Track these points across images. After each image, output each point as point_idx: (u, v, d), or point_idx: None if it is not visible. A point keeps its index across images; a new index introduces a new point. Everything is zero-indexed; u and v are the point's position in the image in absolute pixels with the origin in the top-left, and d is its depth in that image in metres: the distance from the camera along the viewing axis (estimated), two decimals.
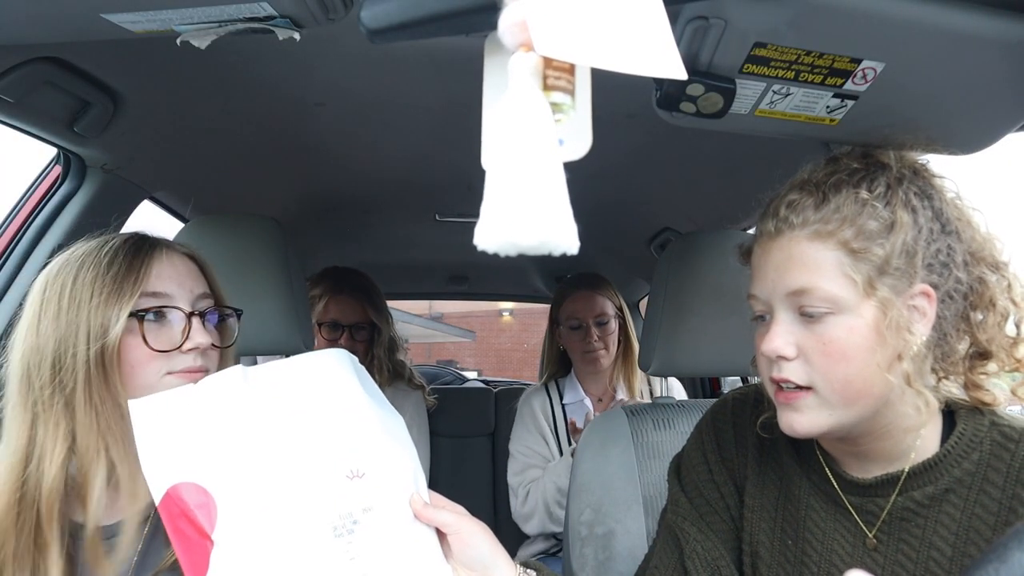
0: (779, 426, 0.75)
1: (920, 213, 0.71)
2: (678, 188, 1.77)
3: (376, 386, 0.83)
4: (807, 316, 0.71)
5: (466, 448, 2.33)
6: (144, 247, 0.84)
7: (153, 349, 0.80)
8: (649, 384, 2.03)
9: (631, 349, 2.00)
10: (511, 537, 2.10)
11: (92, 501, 0.77)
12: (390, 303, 2.18)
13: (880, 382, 0.70)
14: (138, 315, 0.80)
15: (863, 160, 0.76)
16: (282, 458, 0.66)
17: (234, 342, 0.90)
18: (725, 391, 2.52)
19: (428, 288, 3.25)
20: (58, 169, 1.33)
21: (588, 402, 1.99)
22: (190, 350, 0.82)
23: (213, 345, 0.86)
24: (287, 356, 1.40)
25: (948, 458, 0.73)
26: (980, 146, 0.85)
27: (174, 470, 0.63)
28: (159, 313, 0.82)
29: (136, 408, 0.66)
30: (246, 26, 0.71)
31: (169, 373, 0.81)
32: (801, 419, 0.73)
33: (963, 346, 0.72)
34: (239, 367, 0.72)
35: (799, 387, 0.72)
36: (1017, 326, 0.73)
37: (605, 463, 1.31)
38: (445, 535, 0.74)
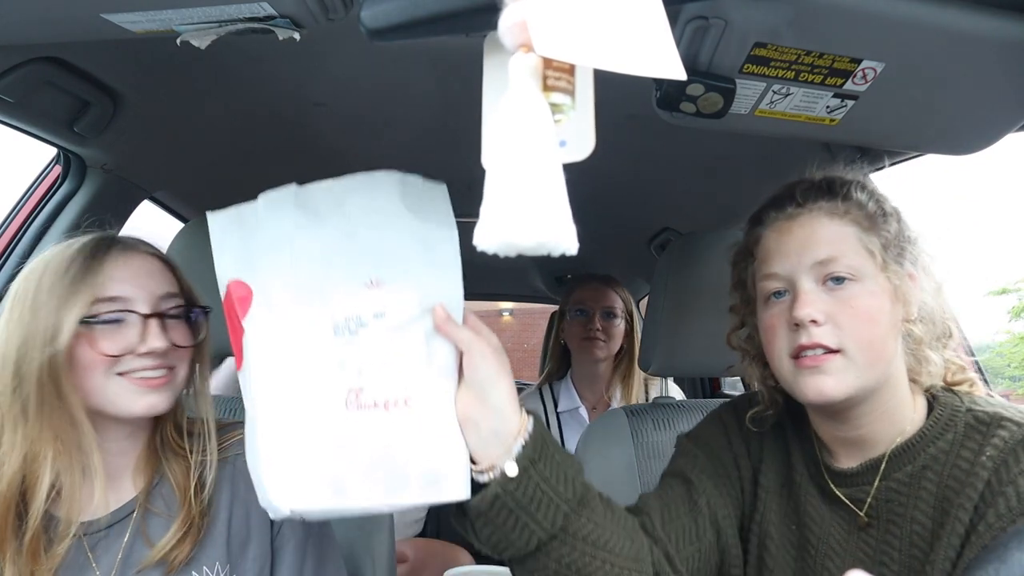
0: (805, 396, 0.79)
1: (892, 203, 0.83)
2: (678, 188, 1.77)
3: (433, 197, 0.83)
4: (833, 284, 0.78)
5: None
6: (100, 250, 0.83)
7: (104, 354, 0.79)
8: (647, 393, 1.99)
9: (632, 357, 1.96)
10: None
11: (34, 509, 0.79)
12: None
13: (891, 347, 0.78)
14: (88, 321, 0.79)
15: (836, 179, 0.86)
16: (309, 263, 0.72)
17: (202, 340, 0.88)
18: (725, 391, 2.53)
19: None
20: (58, 169, 1.33)
21: (584, 412, 1.96)
22: (145, 354, 0.81)
23: (176, 345, 0.84)
24: None
25: (925, 439, 0.78)
26: (980, 146, 0.85)
27: (230, 268, 0.72)
28: (112, 317, 0.80)
29: (211, 217, 0.73)
30: (246, 26, 0.71)
31: (120, 373, 0.80)
32: (830, 381, 0.77)
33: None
34: (292, 186, 0.76)
35: (827, 352, 0.77)
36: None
37: (605, 463, 1.31)
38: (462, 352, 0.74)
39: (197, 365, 0.89)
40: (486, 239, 0.40)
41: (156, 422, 0.89)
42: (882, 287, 0.78)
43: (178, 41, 0.73)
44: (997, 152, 0.87)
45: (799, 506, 0.86)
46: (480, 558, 1.99)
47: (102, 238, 0.86)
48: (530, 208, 0.39)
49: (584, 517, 0.73)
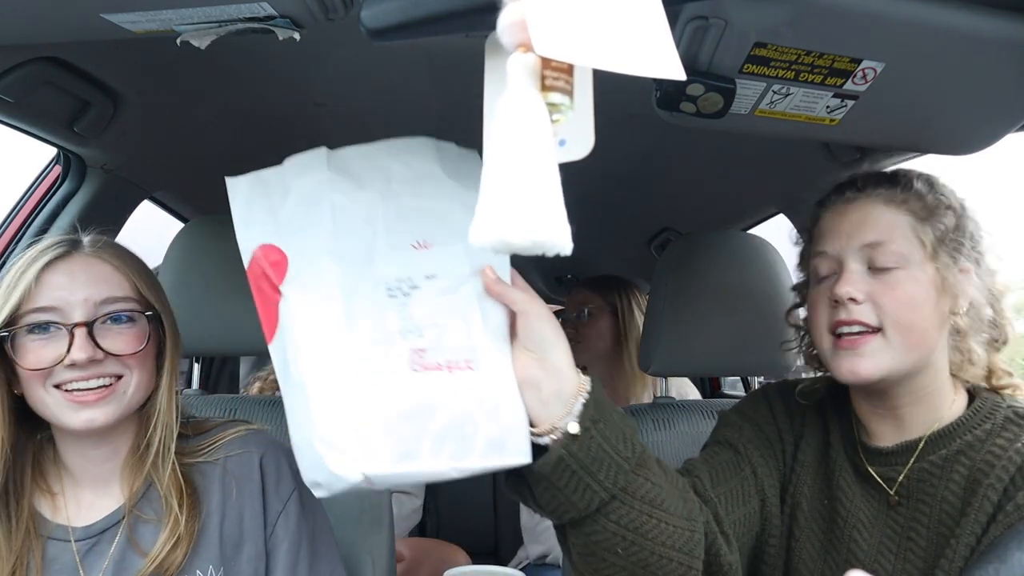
0: (840, 374, 0.82)
1: (960, 202, 0.85)
2: (678, 188, 1.77)
3: (471, 164, 0.78)
4: (877, 269, 0.81)
5: None
6: (45, 255, 0.81)
7: (27, 368, 0.78)
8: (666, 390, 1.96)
9: (625, 356, 1.91)
10: (510, 538, 2.10)
11: (23, 506, 0.81)
12: None
13: (932, 336, 0.80)
14: (6, 333, 0.78)
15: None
16: (349, 225, 0.70)
17: (144, 347, 0.83)
18: (725, 391, 2.52)
19: None
20: (58, 169, 1.34)
21: None
22: (71, 365, 0.78)
23: (110, 354, 0.80)
24: None
25: (963, 426, 0.81)
26: (980, 146, 0.85)
27: (257, 234, 0.70)
28: (39, 327, 0.79)
29: (230, 183, 0.73)
30: (246, 26, 0.71)
31: (56, 386, 0.79)
32: (865, 363, 0.80)
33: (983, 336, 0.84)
34: (323, 149, 0.73)
35: (865, 332, 0.80)
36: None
37: None
38: (514, 315, 0.73)
39: (163, 369, 0.87)
40: (481, 237, 0.40)
41: (141, 425, 0.87)
42: (928, 276, 0.80)
43: (178, 41, 0.73)
44: (997, 152, 0.87)
45: (832, 480, 0.89)
46: (477, 557, 1.99)
47: (56, 243, 0.84)
48: (525, 207, 0.39)
49: (642, 476, 0.72)
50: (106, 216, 1.42)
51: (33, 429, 0.85)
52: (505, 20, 0.41)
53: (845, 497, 0.87)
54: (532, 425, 0.69)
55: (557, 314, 1.96)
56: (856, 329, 0.80)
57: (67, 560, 0.82)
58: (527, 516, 1.97)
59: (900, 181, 0.84)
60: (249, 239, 0.71)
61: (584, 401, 0.69)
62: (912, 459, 0.82)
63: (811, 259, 0.90)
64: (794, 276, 1.02)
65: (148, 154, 1.38)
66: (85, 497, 0.86)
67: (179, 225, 1.56)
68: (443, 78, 1.14)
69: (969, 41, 0.68)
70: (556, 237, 0.40)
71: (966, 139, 0.85)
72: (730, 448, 0.94)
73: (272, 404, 1.26)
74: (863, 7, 0.65)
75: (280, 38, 0.73)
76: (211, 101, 1.24)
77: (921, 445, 0.82)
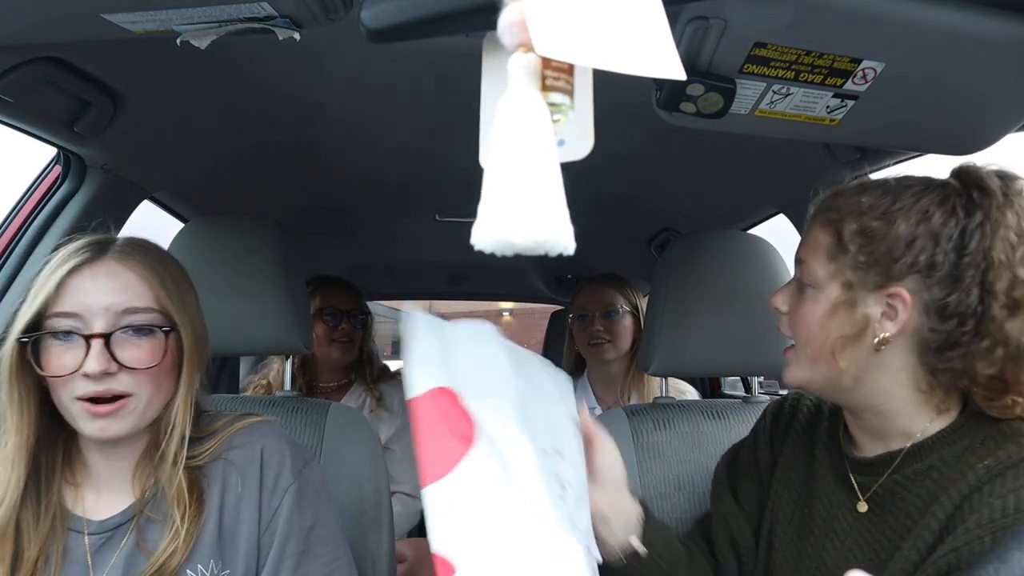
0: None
1: (932, 224, 0.76)
2: (678, 188, 1.77)
3: (557, 375, 0.84)
4: (800, 282, 0.86)
5: None
6: (67, 261, 0.81)
7: (46, 374, 0.79)
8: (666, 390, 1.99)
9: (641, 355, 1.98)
10: None
11: (52, 492, 0.84)
12: (390, 303, 2.19)
13: (831, 352, 0.81)
14: (26, 338, 0.79)
15: (924, 179, 0.82)
16: (526, 407, 0.71)
17: (159, 362, 0.83)
18: (725, 391, 2.52)
19: (428, 288, 3.24)
20: (58, 169, 1.33)
21: (600, 413, 1.96)
22: (86, 376, 0.78)
23: (126, 367, 0.80)
24: (287, 356, 1.41)
25: (939, 442, 0.80)
26: (980, 146, 0.85)
27: (436, 376, 0.68)
28: (61, 334, 0.79)
29: (411, 317, 0.72)
30: (246, 26, 0.71)
31: (76, 398, 0.79)
32: (787, 371, 0.89)
33: (981, 366, 0.76)
34: (487, 323, 0.76)
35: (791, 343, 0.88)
36: None
37: None
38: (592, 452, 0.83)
39: (181, 380, 0.87)
40: (483, 238, 0.40)
41: (156, 433, 0.87)
42: (830, 298, 0.81)
43: (178, 41, 0.73)
44: (997, 152, 0.87)
45: (812, 490, 0.91)
46: None
47: (85, 245, 0.84)
48: (527, 207, 0.39)
49: (685, 571, 0.90)
50: (106, 216, 1.43)
51: (63, 420, 0.86)
52: (505, 20, 0.41)
53: (822, 505, 0.88)
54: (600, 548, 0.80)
55: (580, 314, 1.98)
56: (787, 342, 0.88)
57: (79, 553, 0.83)
58: None
59: (837, 201, 0.82)
60: (426, 377, 0.68)
61: (642, 523, 0.87)
62: (889, 470, 0.82)
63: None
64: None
65: (148, 154, 1.38)
66: (103, 492, 0.87)
67: (179, 225, 1.56)
68: (443, 78, 1.14)
69: (969, 41, 0.68)
70: (559, 236, 0.40)
71: (966, 139, 0.85)
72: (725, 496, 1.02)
73: (272, 404, 1.26)
74: (863, 7, 0.65)
75: (280, 38, 0.73)
76: (211, 101, 1.24)
77: (899, 458, 0.81)
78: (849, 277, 0.79)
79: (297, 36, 0.73)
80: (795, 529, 0.91)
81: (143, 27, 0.71)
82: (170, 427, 0.86)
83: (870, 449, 0.86)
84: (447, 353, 0.70)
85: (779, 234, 1.59)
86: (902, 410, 0.81)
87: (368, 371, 1.97)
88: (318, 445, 1.20)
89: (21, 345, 0.79)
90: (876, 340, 0.78)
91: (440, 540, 0.60)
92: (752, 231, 1.86)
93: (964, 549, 0.69)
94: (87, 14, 0.69)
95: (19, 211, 1.34)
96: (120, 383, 0.80)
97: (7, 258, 1.30)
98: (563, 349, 2.17)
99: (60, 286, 0.80)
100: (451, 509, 0.62)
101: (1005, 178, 0.76)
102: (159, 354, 0.83)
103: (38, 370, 0.80)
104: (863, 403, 0.83)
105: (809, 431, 0.97)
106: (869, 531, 0.82)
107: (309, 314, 1.53)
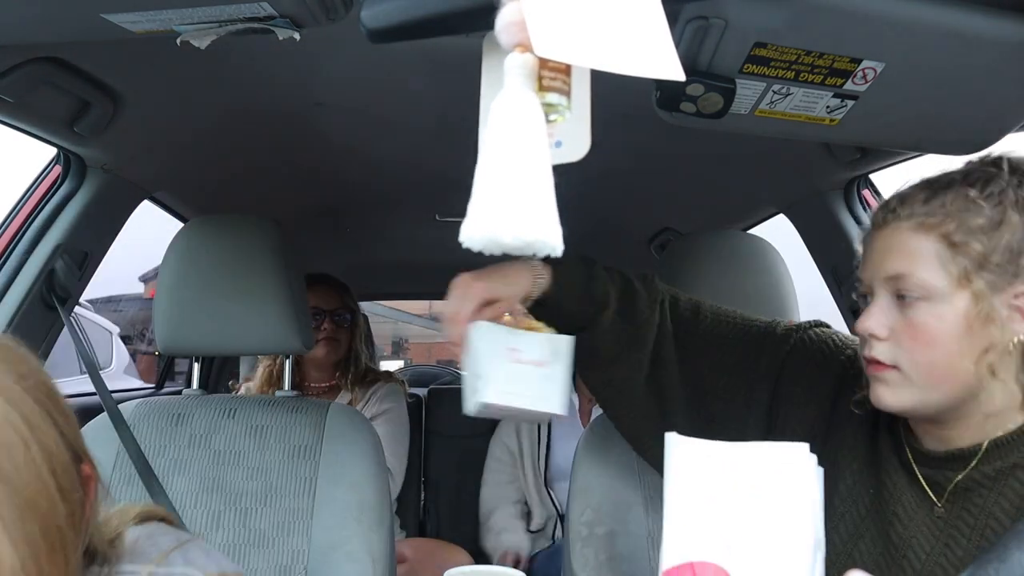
0: (871, 399, 0.80)
1: None
2: (678, 188, 1.77)
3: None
4: (902, 300, 0.76)
5: (466, 448, 2.33)
6: None
7: None
8: None
9: None
10: None
11: None
12: (390, 303, 2.19)
13: (964, 370, 0.73)
14: None
15: (983, 163, 0.78)
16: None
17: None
18: None
19: (428, 288, 3.24)
20: (58, 169, 1.34)
21: (573, 397, 1.95)
22: None
23: None
24: (287, 356, 1.41)
25: (1019, 438, 0.75)
26: (980, 146, 0.85)
27: (700, 545, 0.58)
28: None
29: (671, 441, 0.61)
30: (246, 26, 0.71)
31: None
32: (888, 393, 0.78)
33: None
34: (805, 446, 0.60)
35: (883, 365, 0.78)
36: None
37: (605, 463, 1.30)
38: None
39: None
40: (471, 236, 0.40)
41: None
42: (958, 310, 0.73)
43: (178, 41, 0.73)
44: (996, 152, 0.87)
45: (878, 474, 0.84)
46: (479, 557, 1.99)
47: None
48: (517, 207, 0.39)
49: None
50: (106, 216, 1.43)
51: None
52: (503, 19, 0.41)
53: (888, 492, 0.82)
54: None
55: None
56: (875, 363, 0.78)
57: None
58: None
59: (938, 197, 0.75)
60: (678, 545, 0.59)
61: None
62: (964, 468, 0.76)
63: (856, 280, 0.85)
64: (795, 277, 1.00)
65: (148, 154, 1.38)
66: None
67: (179, 225, 1.56)
68: (443, 78, 1.13)
69: (969, 41, 0.68)
70: (547, 237, 0.40)
71: (966, 139, 0.85)
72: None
73: (272, 404, 1.26)
74: (863, 7, 0.65)
75: (280, 38, 0.73)
76: (211, 101, 1.24)
77: (979, 456, 0.75)
78: (976, 282, 0.72)
79: (297, 36, 0.73)
80: (858, 503, 0.84)
81: (143, 27, 0.71)
82: None
83: (933, 444, 0.80)
84: (716, 501, 0.58)
85: (779, 234, 1.59)
86: (1002, 412, 0.75)
87: (353, 371, 1.95)
88: (318, 445, 1.20)
89: None
90: (1013, 345, 0.72)
91: None
92: (752, 231, 1.86)
93: (1020, 524, 0.63)
94: (87, 14, 0.69)
95: (19, 211, 1.34)
96: None
97: (7, 258, 1.30)
98: None
99: None
100: None
101: None
102: None
103: None
104: (969, 412, 0.76)
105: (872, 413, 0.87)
106: (938, 527, 0.77)
107: (309, 314, 1.53)
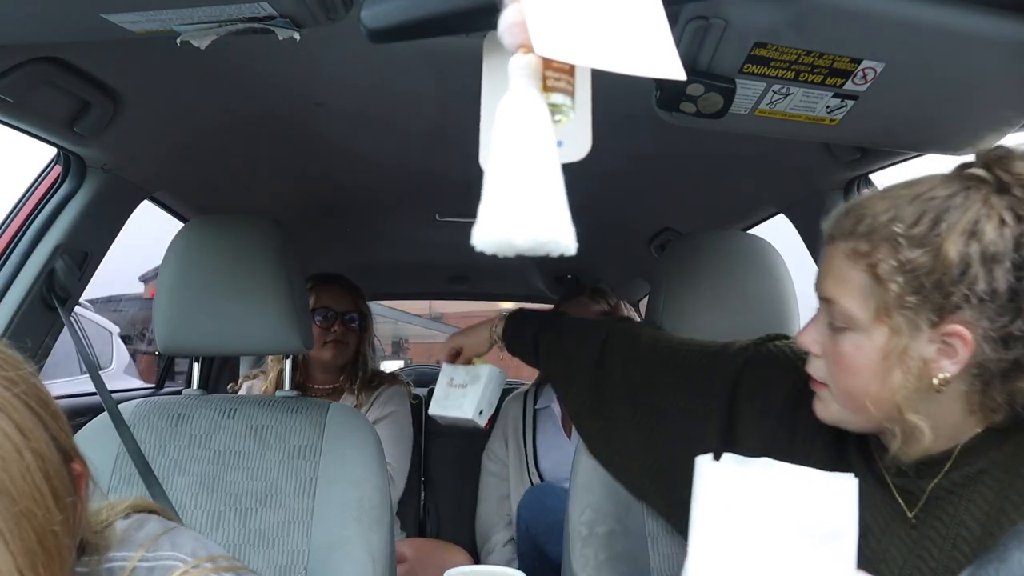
0: None
1: (985, 243, 0.66)
2: (678, 188, 1.77)
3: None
4: (831, 324, 0.75)
5: (465, 448, 2.32)
6: None
7: None
8: None
9: None
10: None
11: None
12: (390, 303, 2.19)
13: (883, 401, 0.72)
14: None
15: (958, 177, 0.71)
16: None
17: None
18: None
19: (428, 288, 3.24)
20: (58, 169, 1.33)
21: (556, 408, 2.00)
22: None
23: None
24: (287, 356, 1.41)
25: (986, 441, 0.73)
26: (980, 146, 0.85)
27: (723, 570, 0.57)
28: None
29: (702, 466, 0.59)
30: (246, 26, 0.71)
31: None
32: (820, 408, 0.79)
33: None
34: (852, 478, 0.59)
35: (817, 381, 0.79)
36: None
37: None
38: None
39: None
40: (484, 239, 0.40)
41: None
42: (874, 343, 0.70)
43: (178, 41, 0.73)
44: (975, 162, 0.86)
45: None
46: (478, 558, 1.99)
47: None
48: (528, 208, 0.39)
49: None
50: (106, 216, 1.43)
51: None
52: (506, 21, 0.41)
53: (862, 494, 0.79)
54: None
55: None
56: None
57: None
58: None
59: (874, 223, 0.70)
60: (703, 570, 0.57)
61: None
62: (937, 477, 0.75)
63: None
64: (795, 277, 1.00)
65: (148, 154, 1.38)
66: None
67: (179, 225, 1.56)
68: (443, 78, 1.14)
69: (969, 41, 0.68)
70: (560, 237, 0.40)
71: (966, 139, 0.85)
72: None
73: (272, 404, 1.26)
74: (863, 7, 0.65)
75: (280, 38, 0.73)
76: (211, 101, 1.24)
77: (951, 461, 0.74)
78: (896, 320, 0.69)
79: (297, 36, 0.73)
80: None
81: (143, 27, 0.71)
82: None
83: (902, 452, 0.76)
84: (747, 534, 0.56)
85: (779, 234, 1.59)
86: (948, 431, 0.74)
87: (360, 375, 1.93)
88: (318, 445, 1.20)
89: None
90: (937, 382, 0.69)
91: None
92: (752, 231, 1.86)
93: (1020, 524, 0.61)
94: (87, 14, 0.69)
95: (19, 211, 1.34)
96: None
97: (7, 258, 1.30)
98: None
99: None
100: None
101: None
102: None
103: None
104: (910, 431, 0.74)
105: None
106: (911, 537, 0.76)
107: (310, 315, 1.53)
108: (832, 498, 0.57)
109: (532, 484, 1.94)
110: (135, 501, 0.75)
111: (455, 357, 1.31)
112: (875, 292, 0.70)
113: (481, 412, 1.22)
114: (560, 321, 1.20)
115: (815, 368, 0.79)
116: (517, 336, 1.22)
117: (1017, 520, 0.68)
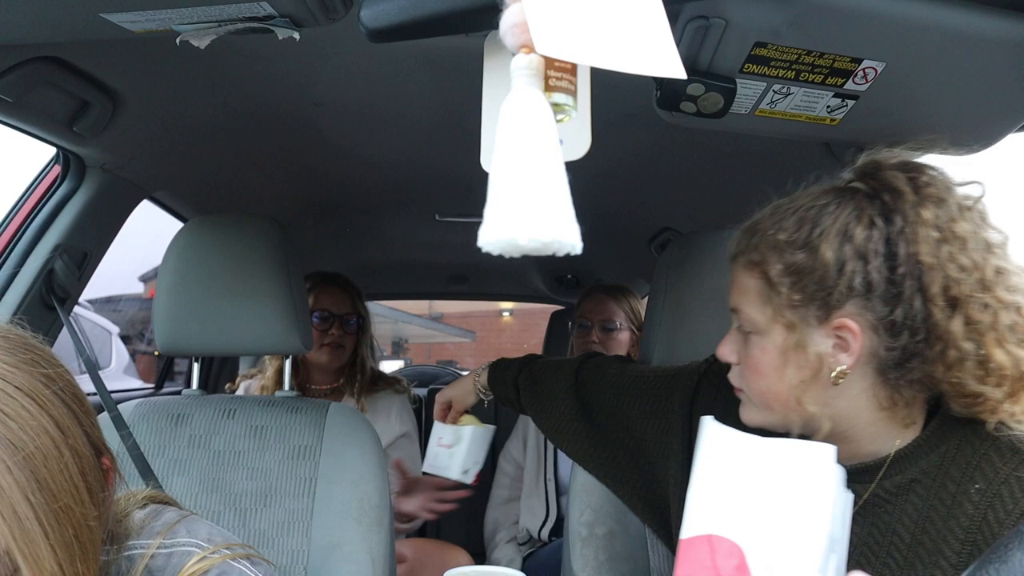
0: None
1: (856, 243, 0.73)
2: (678, 188, 1.77)
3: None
4: (742, 331, 0.83)
5: None
6: None
7: None
8: None
9: None
10: None
11: None
12: (390, 303, 2.19)
13: (791, 398, 0.78)
14: None
15: (833, 189, 0.79)
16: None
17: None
18: None
19: (428, 288, 3.24)
20: (57, 169, 1.33)
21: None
22: None
23: None
24: (287, 356, 1.41)
25: (916, 452, 0.77)
26: (980, 146, 0.85)
27: (717, 520, 0.63)
28: None
29: (706, 426, 0.67)
30: (246, 26, 0.71)
31: None
32: (744, 413, 0.85)
33: (938, 372, 0.73)
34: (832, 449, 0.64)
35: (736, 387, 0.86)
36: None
37: None
38: None
39: None
40: (490, 240, 0.40)
41: None
42: (775, 343, 0.77)
43: (178, 41, 0.73)
44: (997, 152, 0.87)
45: None
46: (479, 558, 1.99)
47: None
48: (534, 209, 0.39)
49: None
50: (105, 216, 1.43)
51: None
52: (508, 21, 0.41)
53: None
54: None
55: (580, 322, 2.04)
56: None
57: None
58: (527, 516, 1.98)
59: (760, 236, 0.79)
60: (700, 518, 0.63)
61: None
62: (872, 483, 0.78)
63: None
64: None
65: (148, 154, 1.38)
66: None
67: (179, 225, 1.56)
68: (443, 78, 1.13)
69: (969, 41, 0.68)
70: (566, 237, 0.40)
71: (966, 139, 0.85)
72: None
73: (271, 404, 1.26)
74: (863, 7, 0.65)
75: (280, 38, 0.73)
76: (211, 101, 1.24)
77: (883, 470, 0.77)
78: (789, 318, 0.76)
79: (297, 36, 0.73)
80: None
81: (143, 27, 0.71)
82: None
83: (848, 459, 0.79)
84: (739, 484, 0.63)
85: None
86: (867, 431, 0.78)
87: (359, 378, 1.91)
88: (318, 445, 1.20)
89: None
90: (834, 375, 0.75)
91: None
92: None
93: (1021, 524, 0.61)
94: (87, 14, 0.69)
95: (18, 211, 1.34)
96: None
97: (6, 258, 1.30)
98: (562, 349, 2.20)
99: None
100: None
101: (910, 171, 0.74)
102: None
103: None
104: (826, 432, 0.78)
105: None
106: (852, 544, 0.75)
107: (310, 315, 1.53)
108: (814, 459, 0.64)
109: (547, 489, 1.95)
110: (151, 492, 0.78)
111: (446, 411, 1.34)
112: (769, 296, 0.78)
113: (467, 471, 1.34)
114: (536, 363, 1.24)
115: (734, 376, 0.86)
116: (499, 383, 1.27)
117: (943, 529, 0.72)
